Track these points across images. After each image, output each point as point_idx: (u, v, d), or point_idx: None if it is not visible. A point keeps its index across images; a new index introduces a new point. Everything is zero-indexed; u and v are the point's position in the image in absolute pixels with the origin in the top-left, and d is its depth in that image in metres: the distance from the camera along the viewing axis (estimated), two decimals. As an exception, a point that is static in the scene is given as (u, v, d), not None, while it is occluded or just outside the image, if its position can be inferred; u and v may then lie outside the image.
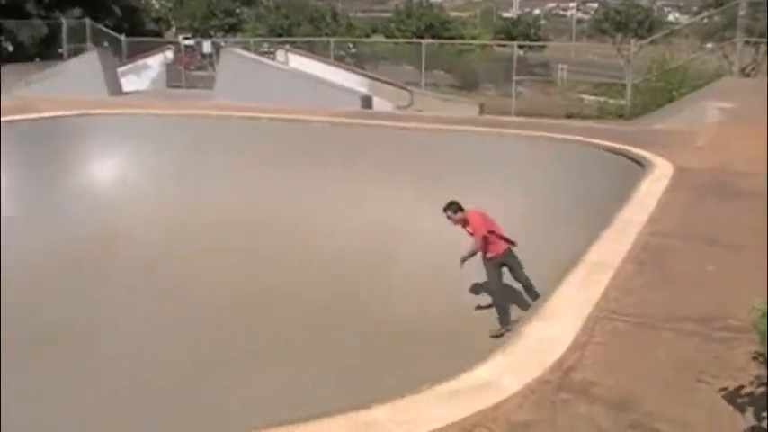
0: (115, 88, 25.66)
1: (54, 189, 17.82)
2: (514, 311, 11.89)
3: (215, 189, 17.43)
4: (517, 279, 12.03)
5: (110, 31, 34.96)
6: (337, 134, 17.63)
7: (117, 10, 40.11)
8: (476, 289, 12.93)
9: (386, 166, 16.30)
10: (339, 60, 31.20)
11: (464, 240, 12.50)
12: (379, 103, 23.99)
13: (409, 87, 26.91)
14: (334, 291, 13.68)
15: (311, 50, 31.70)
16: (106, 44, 33.06)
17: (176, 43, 36.35)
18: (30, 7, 36.79)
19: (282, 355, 11.45)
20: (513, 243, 11.91)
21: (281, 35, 39.50)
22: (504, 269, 12.08)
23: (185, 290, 14.30)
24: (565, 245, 10.73)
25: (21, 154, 18.36)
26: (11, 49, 35.84)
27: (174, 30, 52.91)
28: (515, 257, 11.89)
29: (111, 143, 18.87)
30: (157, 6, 56.53)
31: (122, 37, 33.89)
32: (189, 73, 32.86)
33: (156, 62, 32.14)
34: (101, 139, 18.90)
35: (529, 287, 11.84)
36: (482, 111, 25.03)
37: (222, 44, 34.80)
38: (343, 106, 20.43)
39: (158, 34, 46.68)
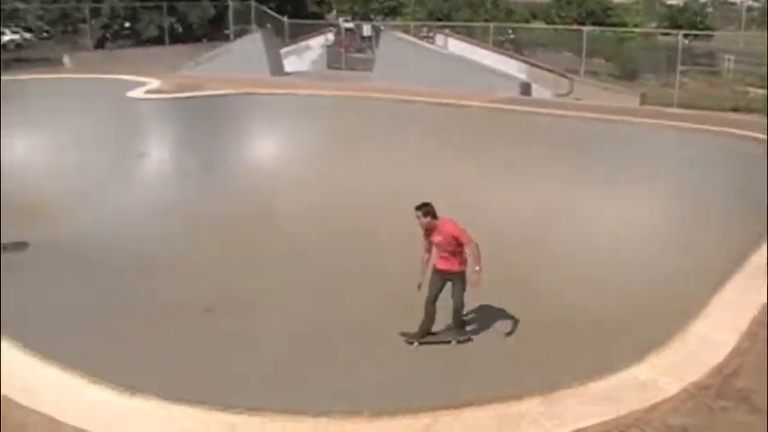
0: (277, 69, 26.25)
1: (219, 164, 18.48)
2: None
3: (369, 170, 17.61)
4: (453, 297, 11.18)
5: (273, 14, 35.76)
6: (495, 120, 17.47)
7: (281, -8, 40.98)
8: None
9: (542, 154, 16.10)
10: (498, 46, 30.93)
11: (633, 230, 12.18)
12: (538, 90, 23.68)
13: (568, 75, 26.44)
14: (490, 279, 13.63)
15: (470, 35, 31.57)
16: (269, 26, 33.85)
17: (337, 26, 36.86)
18: (199, -10, 38.23)
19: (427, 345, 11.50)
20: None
21: (440, 19, 39.48)
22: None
23: (337, 267, 14.61)
24: (726, 245, 10.38)
25: (188, 130, 19.16)
26: (181, 30, 37.25)
27: (334, 12, 53.67)
28: (464, 279, 11.07)
29: (272, 121, 19.42)
30: (325, -11, 57.52)
31: (285, 19, 34.63)
32: (348, 55, 33.23)
33: (317, 44, 32.66)
34: (263, 117, 19.47)
35: (458, 311, 11.25)
36: (643, 101, 24.33)
37: (382, 27, 35.04)
38: (501, 92, 20.28)
39: (320, 17, 47.44)
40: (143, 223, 14.51)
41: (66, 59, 28.32)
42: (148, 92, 20.54)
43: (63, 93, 21.31)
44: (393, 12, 49.97)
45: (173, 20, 35.90)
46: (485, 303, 12.14)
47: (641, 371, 5.49)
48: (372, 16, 48.18)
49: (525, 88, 22.84)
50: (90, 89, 21.36)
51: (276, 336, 11.76)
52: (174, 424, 5.19)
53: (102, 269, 14.47)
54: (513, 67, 25.76)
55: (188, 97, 20.07)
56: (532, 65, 26.92)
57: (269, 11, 36.06)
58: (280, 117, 19.42)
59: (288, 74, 26.72)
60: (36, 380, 5.37)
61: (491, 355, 10.96)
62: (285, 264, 14.89)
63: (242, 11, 36.32)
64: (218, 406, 5.38)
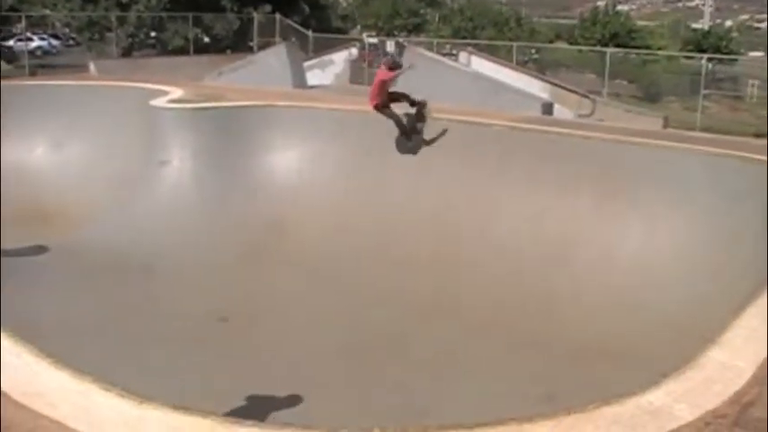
0: (300, 81, 26.34)
1: (237, 176, 18.49)
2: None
3: (385, 186, 17.55)
4: None
5: (298, 27, 35.92)
6: (516, 139, 17.29)
7: (305, 7, 41.11)
8: None
9: (564, 175, 15.92)
10: (521, 65, 30.92)
11: (656, 255, 12.21)
12: (560, 111, 23.60)
13: (591, 96, 26.34)
14: (509, 299, 13.54)
15: (494, 54, 31.56)
16: (294, 39, 33.96)
17: (360, 41, 37.00)
18: (225, 3, 38.34)
19: (442, 364, 11.44)
20: None
21: (464, 37, 39.55)
22: None
23: (350, 279, 14.65)
24: (746, 270, 10.26)
25: (207, 140, 19.18)
26: (206, 41, 37.47)
27: (358, 28, 53.90)
28: None
29: (291, 135, 19.37)
30: (344, 5, 57.74)
31: (309, 33, 34.76)
32: (371, 70, 33.30)
33: (340, 58, 32.77)
34: (282, 130, 19.43)
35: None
36: (666, 124, 24.20)
37: (405, 44, 35.07)
38: (523, 111, 20.16)
39: (344, 32, 47.57)
40: (161, 231, 14.54)
41: (91, 67, 28.51)
42: (171, 101, 20.60)
43: (86, 99, 21.42)
44: (417, 28, 50.17)
45: (198, 31, 36.12)
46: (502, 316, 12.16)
47: (656, 396, 5.40)
48: (396, 32, 48.35)
49: (547, 108, 22.77)
50: (113, 96, 21.47)
51: (289, 348, 11.76)
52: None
53: (118, 275, 14.52)
54: (535, 87, 25.70)
55: (210, 107, 20.10)
56: (555, 85, 26.84)
57: (293, 24, 36.23)
58: (299, 130, 19.36)
59: (310, 87, 26.76)
60: (47, 385, 5.35)
61: (506, 377, 10.87)
62: (298, 276, 14.96)
63: (266, 23, 36.50)
64: (229, 418, 5.35)
